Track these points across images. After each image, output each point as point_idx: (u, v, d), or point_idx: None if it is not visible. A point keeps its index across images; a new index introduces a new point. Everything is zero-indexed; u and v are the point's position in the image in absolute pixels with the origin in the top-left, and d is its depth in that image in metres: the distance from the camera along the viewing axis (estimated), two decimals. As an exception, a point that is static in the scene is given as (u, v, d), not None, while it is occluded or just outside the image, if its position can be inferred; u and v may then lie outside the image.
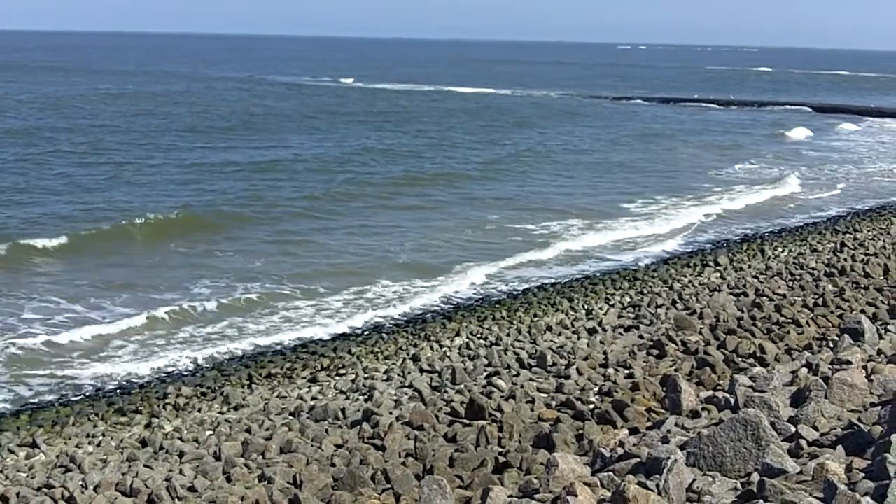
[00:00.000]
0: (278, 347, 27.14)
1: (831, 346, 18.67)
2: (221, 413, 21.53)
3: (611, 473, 9.91)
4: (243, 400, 22.28)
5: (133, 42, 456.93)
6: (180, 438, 19.49)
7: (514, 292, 32.82)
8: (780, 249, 37.47)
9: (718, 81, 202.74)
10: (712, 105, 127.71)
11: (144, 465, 17.64)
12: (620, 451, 10.99)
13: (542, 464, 14.31)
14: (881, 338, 16.38)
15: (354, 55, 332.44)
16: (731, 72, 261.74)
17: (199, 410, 21.88)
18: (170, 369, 25.38)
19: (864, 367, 12.69)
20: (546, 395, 19.29)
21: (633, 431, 14.56)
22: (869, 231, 40.40)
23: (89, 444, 19.81)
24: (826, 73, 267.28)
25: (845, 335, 16.05)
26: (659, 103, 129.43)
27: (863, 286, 28.41)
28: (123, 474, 16.91)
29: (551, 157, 68.00)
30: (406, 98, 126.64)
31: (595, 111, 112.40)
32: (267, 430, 19.25)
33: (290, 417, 20.11)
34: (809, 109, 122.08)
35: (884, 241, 36.80)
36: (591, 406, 18.19)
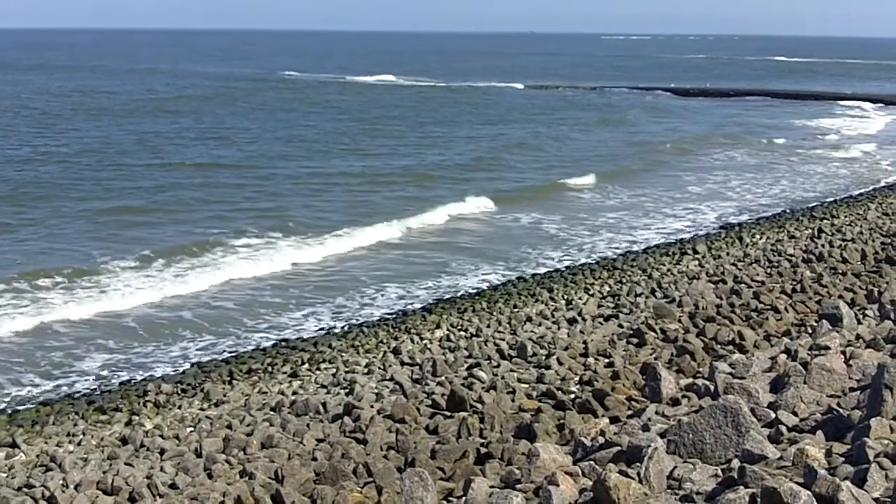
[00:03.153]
0: (259, 343, 27.05)
1: (810, 331, 18.73)
2: (202, 409, 21.44)
3: (592, 462, 9.93)
4: (224, 396, 22.20)
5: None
6: (161, 436, 19.41)
7: (494, 283, 32.82)
8: (757, 237, 37.61)
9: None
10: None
11: (125, 463, 17.55)
12: (601, 439, 11.01)
13: (523, 454, 14.31)
14: (859, 323, 16.47)
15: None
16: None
17: (180, 407, 21.79)
18: (150, 366, 25.27)
19: (843, 353, 12.76)
20: (527, 386, 19.31)
21: (614, 420, 14.60)
22: (846, 217, 40.59)
23: (70, 442, 19.71)
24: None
25: (824, 321, 16.13)
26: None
27: (840, 272, 28.56)
28: (104, 472, 16.82)
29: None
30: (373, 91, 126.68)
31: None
32: (248, 425, 19.19)
33: (272, 412, 20.06)
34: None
35: (861, 226, 36.99)
36: (572, 395, 18.23)
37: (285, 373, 23.91)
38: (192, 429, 19.80)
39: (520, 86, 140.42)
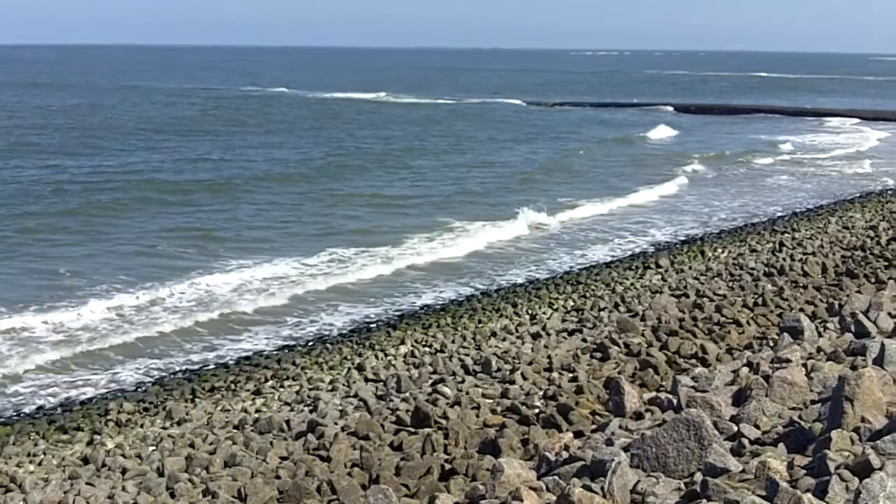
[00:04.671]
0: (222, 360, 26.89)
1: (771, 344, 18.89)
2: (164, 428, 21.26)
3: (556, 477, 9.93)
4: (186, 414, 22.01)
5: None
6: (123, 455, 19.24)
7: (459, 299, 32.83)
8: (719, 250, 37.85)
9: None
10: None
11: (87, 483, 17.38)
12: (565, 454, 11.01)
13: (487, 469, 14.29)
14: (820, 335, 16.58)
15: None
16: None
17: (142, 426, 21.59)
18: (111, 384, 25.05)
19: (804, 365, 12.84)
20: (491, 401, 19.32)
21: (578, 434, 14.61)
22: (807, 230, 40.96)
23: (30, 462, 19.46)
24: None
25: (785, 334, 16.22)
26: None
27: (801, 285, 28.83)
28: (65, 492, 16.66)
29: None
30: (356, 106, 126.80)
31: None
32: (211, 444, 19.05)
33: (234, 430, 19.93)
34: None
35: (821, 240, 37.35)
36: (536, 410, 18.25)
37: (248, 390, 23.75)
38: (154, 448, 19.62)
39: (520, 102, 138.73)
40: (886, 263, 31.13)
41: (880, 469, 7.80)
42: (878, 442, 8.48)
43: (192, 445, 19.15)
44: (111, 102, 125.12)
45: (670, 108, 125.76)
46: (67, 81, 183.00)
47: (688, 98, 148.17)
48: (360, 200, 51.99)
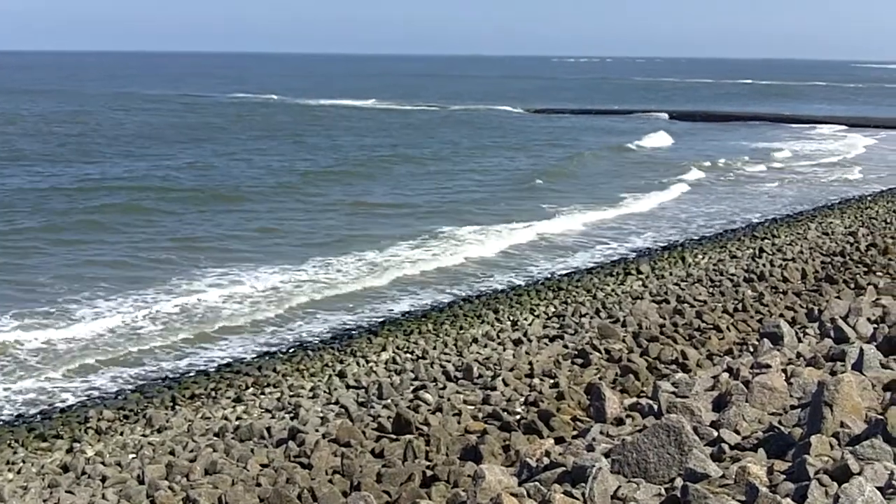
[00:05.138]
0: (202, 367, 26.80)
1: (751, 350, 18.96)
2: (144, 436, 21.16)
3: (537, 483, 9.94)
4: (167, 422, 21.92)
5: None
6: (103, 463, 19.14)
7: (440, 305, 32.82)
8: (700, 256, 37.97)
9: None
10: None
11: (66, 491, 17.29)
12: (546, 460, 11.02)
13: (469, 476, 14.28)
14: (800, 341, 16.68)
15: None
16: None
17: (122, 434, 21.49)
18: (91, 392, 24.94)
19: (784, 371, 12.90)
20: (473, 408, 19.32)
21: (559, 440, 14.63)
22: (787, 236, 41.14)
23: (9, 471, 19.35)
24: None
25: (765, 339, 16.32)
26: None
27: (781, 291, 28.94)
28: (45, 501, 16.58)
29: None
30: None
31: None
32: (191, 451, 18.97)
33: (215, 438, 19.85)
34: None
35: (801, 245, 37.51)
36: (518, 417, 18.24)
37: (229, 398, 23.68)
38: (134, 455, 19.53)
39: (518, 110, 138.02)
40: (866, 269, 31.28)
41: (859, 474, 7.84)
42: (856, 447, 8.53)
43: (172, 453, 19.07)
44: (92, 109, 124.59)
45: (665, 116, 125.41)
46: (52, 88, 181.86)
47: (681, 105, 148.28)
48: (344, 207, 51.95)
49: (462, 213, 50.59)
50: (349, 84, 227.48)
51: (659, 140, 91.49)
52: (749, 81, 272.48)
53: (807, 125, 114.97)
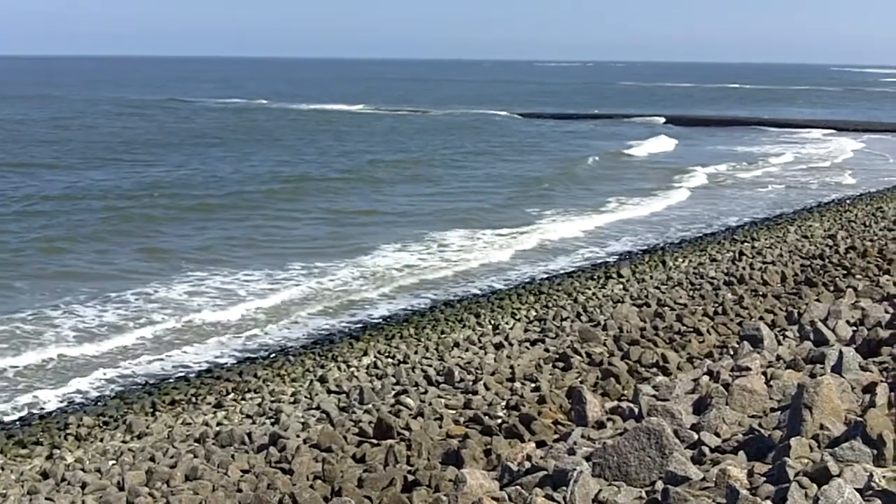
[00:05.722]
0: (182, 373, 26.70)
1: (731, 353, 18.96)
2: (124, 442, 21.07)
3: (518, 487, 9.94)
4: (147, 428, 21.83)
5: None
6: (82, 469, 19.04)
7: (422, 310, 32.81)
8: (680, 260, 38.09)
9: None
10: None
11: (46, 498, 17.19)
12: (528, 464, 11.02)
13: (450, 480, 14.29)
14: (779, 344, 16.71)
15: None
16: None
17: (102, 440, 21.40)
18: (71, 398, 24.82)
19: (764, 373, 12.92)
20: (454, 412, 19.30)
21: (541, 444, 14.62)
22: (766, 240, 41.30)
23: (-13, 478, 19.22)
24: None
25: (745, 342, 16.35)
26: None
27: (761, 294, 29.04)
28: (23, 509, 16.45)
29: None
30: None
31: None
32: (171, 457, 18.89)
33: (196, 444, 19.77)
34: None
35: (781, 249, 37.67)
36: (499, 420, 18.24)
37: (209, 403, 23.60)
38: (114, 462, 19.44)
39: (514, 115, 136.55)
40: (845, 272, 31.42)
41: (839, 476, 7.87)
42: (836, 449, 8.56)
43: (152, 459, 18.98)
44: (70, 115, 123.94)
45: (662, 120, 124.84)
46: (28, 93, 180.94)
47: (677, 109, 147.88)
48: (325, 213, 51.89)
49: (451, 218, 50.54)
50: (339, 88, 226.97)
51: (660, 145, 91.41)
52: (736, 85, 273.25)
53: (803, 129, 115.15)
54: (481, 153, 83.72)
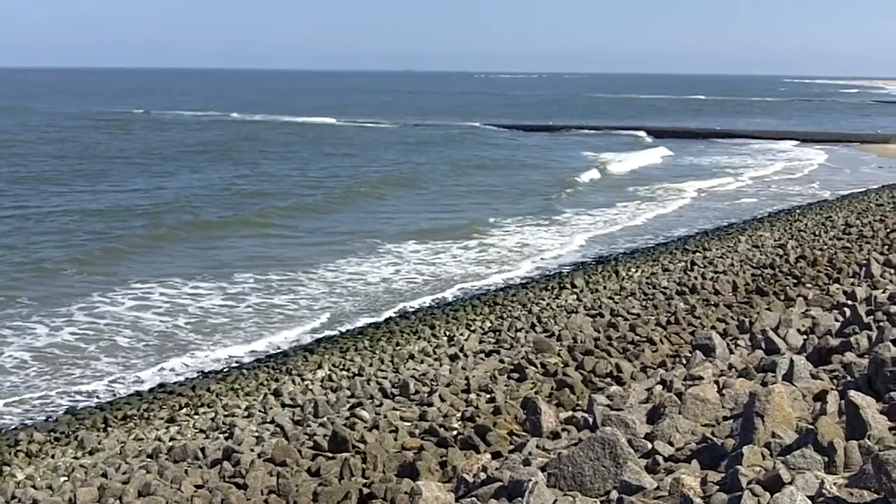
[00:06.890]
0: (134, 388, 26.42)
1: (684, 362, 19.13)
2: (76, 458, 20.81)
3: (474, 499, 9.93)
4: (99, 444, 21.58)
5: None
6: (33, 486, 18.77)
7: (377, 322, 32.72)
8: (633, 270, 38.30)
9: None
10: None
11: (-5, 517, 16.93)
12: (483, 475, 11.01)
13: (406, 493, 14.26)
14: (731, 352, 16.87)
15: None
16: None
17: (53, 456, 21.11)
18: (20, 414, 24.48)
19: (716, 382, 13.03)
20: (409, 424, 19.26)
21: (496, 455, 14.64)
22: (718, 249, 41.64)
23: (-65, 498, 18.91)
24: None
25: (697, 351, 16.48)
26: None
27: (713, 303, 29.29)
28: (-28, 527, 16.19)
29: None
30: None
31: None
32: (124, 473, 18.68)
33: (148, 459, 19.57)
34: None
35: (732, 258, 38.00)
36: (454, 432, 18.24)
37: (162, 418, 23.37)
38: (65, 478, 19.20)
39: (492, 127, 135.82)
40: (795, 281, 31.76)
41: (790, 483, 7.93)
42: (788, 456, 8.64)
43: (104, 475, 18.76)
44: (35, 125, 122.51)
45: (643, 133, 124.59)
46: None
47: (652, 121, 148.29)
48: (284, 228, 51.69)
49: (408, 231, 50.50)
50: (313, 101, 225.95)
51: (647, 158, 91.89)
52: (703, 97, 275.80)
53: (781, 140, 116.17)
54: (473, 167, 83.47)
